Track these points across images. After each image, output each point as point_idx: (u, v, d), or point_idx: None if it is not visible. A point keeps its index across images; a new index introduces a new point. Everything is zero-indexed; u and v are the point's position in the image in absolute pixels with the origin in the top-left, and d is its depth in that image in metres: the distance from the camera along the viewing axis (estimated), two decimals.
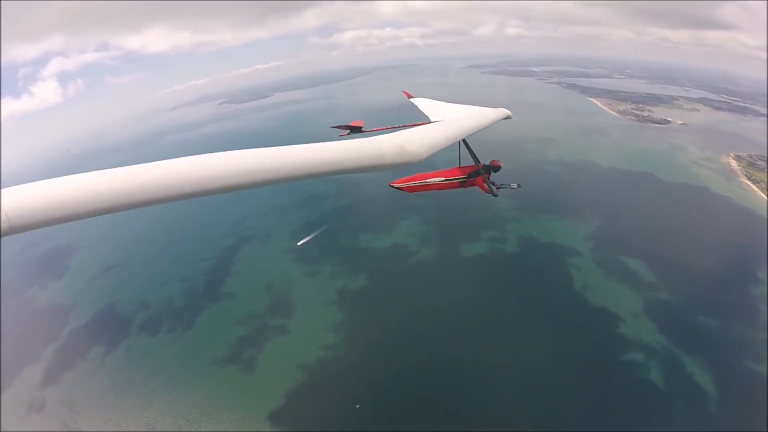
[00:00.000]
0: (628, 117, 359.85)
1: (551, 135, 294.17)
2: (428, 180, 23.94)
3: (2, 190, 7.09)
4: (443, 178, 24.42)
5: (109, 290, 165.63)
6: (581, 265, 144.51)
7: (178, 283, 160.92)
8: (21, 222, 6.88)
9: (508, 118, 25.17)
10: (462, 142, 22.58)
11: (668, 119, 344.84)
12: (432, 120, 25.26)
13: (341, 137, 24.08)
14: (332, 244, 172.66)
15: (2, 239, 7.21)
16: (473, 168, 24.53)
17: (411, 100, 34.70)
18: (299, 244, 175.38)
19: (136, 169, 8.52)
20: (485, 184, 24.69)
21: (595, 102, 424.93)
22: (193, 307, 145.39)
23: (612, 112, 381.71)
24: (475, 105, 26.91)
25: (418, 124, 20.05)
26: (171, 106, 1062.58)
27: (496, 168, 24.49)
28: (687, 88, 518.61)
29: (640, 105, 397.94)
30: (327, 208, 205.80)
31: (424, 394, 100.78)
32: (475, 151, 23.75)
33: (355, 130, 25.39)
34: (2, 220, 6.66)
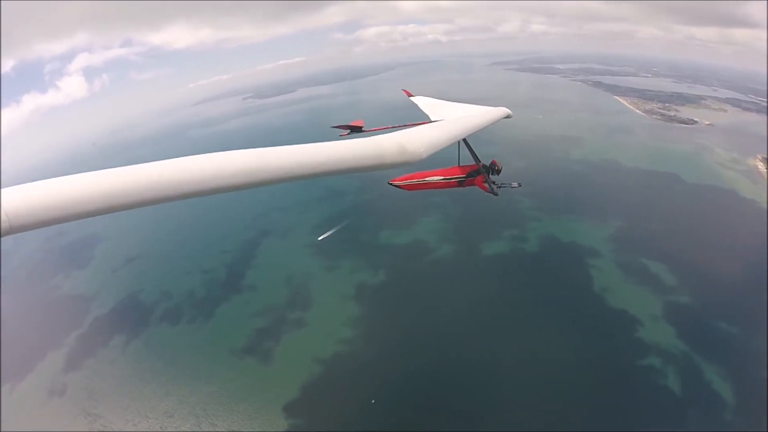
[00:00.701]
0: (654, 116, 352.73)
1: (575, 133, 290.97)
2: (427, 178, 24.17)
3: (2, 190, 7.12)
4: (442, 177, 24.58)
5: (131, 280, 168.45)
6: (601, 266, 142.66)
7: (200, 275, 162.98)
8: (21, 222, 6.91)
9: (508, 117, 24.99)
10: (462, 142, 22.54)
11: (695, 119, 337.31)
12: (432, 119, 25.19)
13: (341, 137, 24.19)
14: (352, 239, 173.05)
15: (4, 238, 7.24)
16: (473, 167, 24.63)
17: (411, 98, 34.37)
18: (320, 239, 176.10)
19: (136, 169, 8.57)
20: (485, 184, 24.82)
21: (621, 100, 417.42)
22: (214, 299, 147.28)
23: (638, 111, 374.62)
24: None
25: (419, 124, 20.13)
26: (195, 100, 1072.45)
27: (496, 168, 24.60)
28: (715, 88, 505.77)
29: (667, 104, 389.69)
30: (348, 203, 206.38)
31: (440, 391, 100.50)
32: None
33: (355, 130, 25.31)
34: (2, 220, 6.68)
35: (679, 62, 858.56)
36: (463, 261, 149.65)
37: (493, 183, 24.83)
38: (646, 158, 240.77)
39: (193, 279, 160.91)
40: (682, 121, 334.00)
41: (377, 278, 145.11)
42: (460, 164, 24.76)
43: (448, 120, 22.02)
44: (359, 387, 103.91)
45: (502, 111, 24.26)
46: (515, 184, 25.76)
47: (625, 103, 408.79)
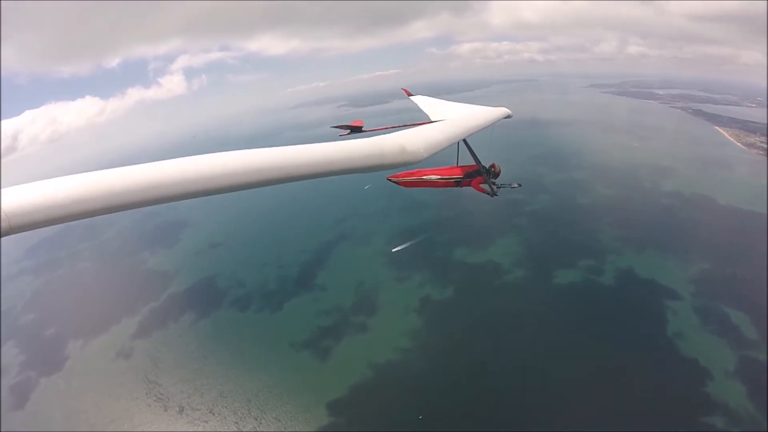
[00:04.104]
0: (756, 151, 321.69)
1: (669, 164, 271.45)
2: (425, 177, 24.40)
3: (2, 190, 7.22)
4: (440, 177, 24.72)
5: (210, 265, 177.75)
6: (679, 309, 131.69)
7: (275, 269, 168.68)
8: (20, 222, 6.94)
9: (508, 117, 24.95)
10: (462, 142, 22.37)
11: None
12: (432, 119, 25.41)
13: (341, 137, 24.18)
14: (426, 252, 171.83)
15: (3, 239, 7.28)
16: (472, 168, 24.57)
17: (411, 98, 35.20)
18: (394, 251, 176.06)
19: (136, 169, 8.69)
20: (483, 185, 24.84)
21: (722, 131, 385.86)
22: (284, 293, 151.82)
23: (738, 144, 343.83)
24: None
25: (419, 124, 20.17)
26: (293, 104, 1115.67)
27: (495, 172, 24.55)
28: None
29: None
30: (428, 216, 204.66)
31: (493, 420, 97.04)
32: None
33: (355, 130, 25.45)
34: (2, 219, 6.72)
35: None
36: (533, 287, 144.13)
37: (493, 183, 24.83)
38: (742, 197, 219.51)
39: (268, 272, 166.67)
40: None
41: (444, 294, 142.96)
42: (458, 164, 24.97)
43: (448, 120, 22.07)
44: (409, 400, 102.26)
45: (502, 111, 24.22)
46: (515, 185, 25.84)
47: (725, 134, 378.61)
